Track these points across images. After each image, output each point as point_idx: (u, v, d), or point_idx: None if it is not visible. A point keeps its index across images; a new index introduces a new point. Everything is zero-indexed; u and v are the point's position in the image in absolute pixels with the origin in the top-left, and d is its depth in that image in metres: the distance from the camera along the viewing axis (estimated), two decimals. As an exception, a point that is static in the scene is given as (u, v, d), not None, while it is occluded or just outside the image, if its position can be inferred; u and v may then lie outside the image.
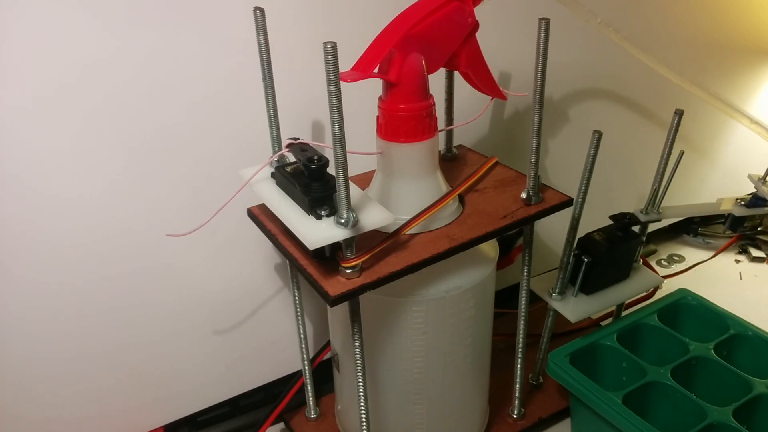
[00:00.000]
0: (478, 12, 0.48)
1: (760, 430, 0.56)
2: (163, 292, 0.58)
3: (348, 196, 0.42)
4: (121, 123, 0.50)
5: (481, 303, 0.54)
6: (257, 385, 0.67)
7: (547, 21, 0.45)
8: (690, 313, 0.66)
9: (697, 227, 0.98)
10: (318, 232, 0.43)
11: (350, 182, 0.42)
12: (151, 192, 0.54)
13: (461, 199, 0.54)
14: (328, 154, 0.41)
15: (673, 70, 0.61)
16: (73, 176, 0.50)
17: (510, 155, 0.63)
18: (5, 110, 0.46)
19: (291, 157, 0.49)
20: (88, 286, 0.54)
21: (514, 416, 0.65)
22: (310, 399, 0.64)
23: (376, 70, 0.45)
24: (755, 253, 0.93)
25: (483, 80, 0.52)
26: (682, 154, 0.61)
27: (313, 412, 0.65)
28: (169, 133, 0.53)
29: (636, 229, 0.63)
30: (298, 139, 0.47)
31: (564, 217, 0.56)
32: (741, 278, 0.89)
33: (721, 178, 0.94)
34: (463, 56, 0.49)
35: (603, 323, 0.76)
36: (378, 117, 0.48)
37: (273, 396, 0.67)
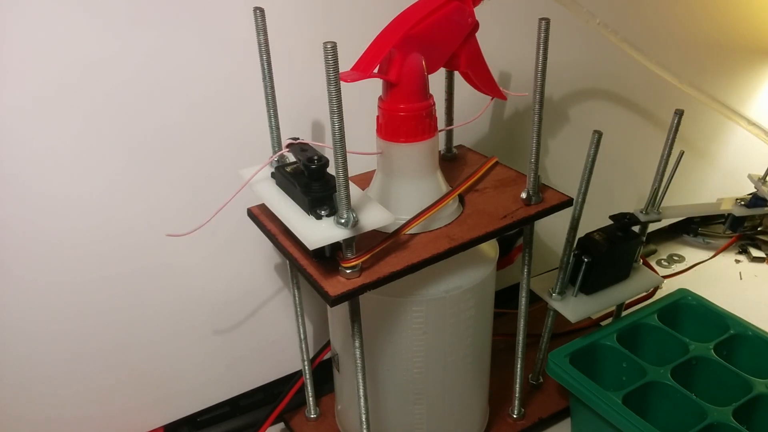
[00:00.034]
0: (478, 12, 0.48)
1: (760, 430, 0.56)
2: (163, 292, 0.58)
3: (348, 196, 0.42)
4: (121, 123, 0.50)
5: (481, 303, 0.54)
6: (257, 385, 0.67)
7: (547, 21, 0.45)
8: (690, 313, 0.66)
9: (697, 227, 0.98)
10: (318, 232, 0.43)
11: (350, 182, 0.42)
12: (151, 192, 0.54)
13: (461, 199, 0.54)
14: (328, 154, 0.41)
15: (671, 72, 0.61)
16: (73, 176, 0.50)
17: (510, 155, 0.63)
18: (5, 110, 0.46)
19: (291, 157, 0.49)
20: (88, 286, 0.54)
21: (514, 416, 0.65)
22: (310, 399, 0.64)
23: (376, 70, 0.45)
24: (755, 253, 0.93)
25: (483, 80, 0.52)
26: (682, 154, 0.61)
27: (313, 412, 0.65)
28: (169, 133, 0.53)
29: (636, 229, 0.63)
30: (298, 139, 0.47)
31: (564, 217, 0.56)
32: (741, 278, 0.89)
33: (721, 178, 0.94)
34: (463, 56, 0.49)
35: (603, 323, 0.76)
36: (378, 117, 0.48)
37: (273, 396, 0.67)
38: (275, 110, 0.50)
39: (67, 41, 0.46)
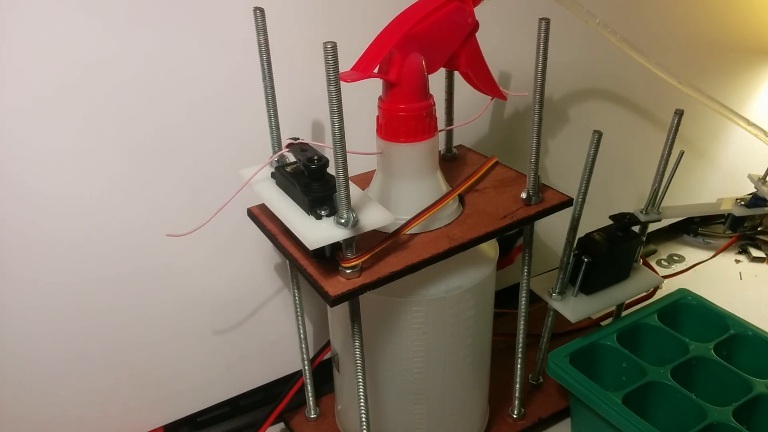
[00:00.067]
0: (478, 12, 0.48)
1: (760, 430, 0.56)
2: (163, 292, 0.58)
3: (348, 196, 0.42)
4: (121, 123, 0.50)
5: (481, 303, 0.54)
6: (257, 385, 0.67)
7: (547, 21, 0.45)
8: (690, 313, 0.66)
9: (697, 227, 0.98)
10: (318, 232, 0.43)
11: (350, 182, 0.42)
12: (151, 192, 0.54)
13: (461, 199, 0.54)
14: (328, 154, 0.41)
15: (671, 72, 0.61)
16: (73, 176, 0.50)
17: (510, 155, 0.63)
18: (5, 110, 0.46)
19: (291, 157, 0.49)
20: (88, 286, 0.54)
21: (514, 416, 0.65)
22: (310, 399, 0.64)
23: (376, 70, 0.45)
24: (755, 253, 0.93)
25: (483, 80, 0.52)
26: (682, 154, 0.61)
27: (313, 412, 0.65)
28: (169, 133, 0.53)
29: (636, 229, 0.63)
30: (298, 139, 0.47)
31: (564, 217, 0.56)
32: (741, 278, 0.89)
33: (721, 178, 0.94)
34: (463, 56, 0.49)
35: (603, 323, 0.76)
36: (378, 117, 0.48)
37: (273, 396, 0.67)
38: (275, 110, 0.50)
39: (67, 41, 0.46)
